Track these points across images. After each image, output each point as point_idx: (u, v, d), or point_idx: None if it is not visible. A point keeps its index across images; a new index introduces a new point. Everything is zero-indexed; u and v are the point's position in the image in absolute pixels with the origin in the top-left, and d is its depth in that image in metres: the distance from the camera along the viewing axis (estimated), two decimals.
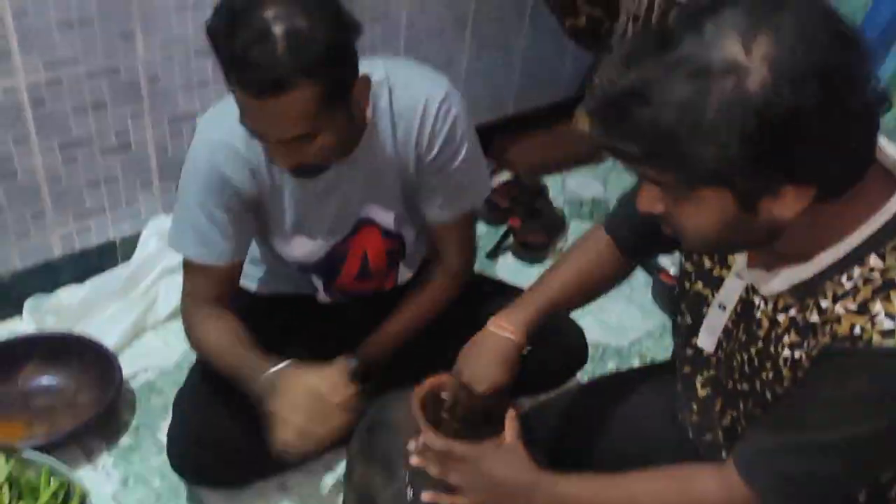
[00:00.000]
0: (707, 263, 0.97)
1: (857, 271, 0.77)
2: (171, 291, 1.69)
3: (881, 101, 0.71)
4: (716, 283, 0.95)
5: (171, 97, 1.64)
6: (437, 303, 1.32)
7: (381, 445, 1.10)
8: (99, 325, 1.60)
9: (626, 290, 1.94)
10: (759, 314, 0.88)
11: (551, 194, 2.21)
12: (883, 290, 0.75)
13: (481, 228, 2.14)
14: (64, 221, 1.63)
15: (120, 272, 1.68)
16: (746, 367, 0.91)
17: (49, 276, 1.66)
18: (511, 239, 2.05)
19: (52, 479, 1.24)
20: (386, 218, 1.24)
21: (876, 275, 0.76)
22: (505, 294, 1.32)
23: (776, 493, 0.85)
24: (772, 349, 0.86)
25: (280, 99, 0.93)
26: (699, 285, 0.99)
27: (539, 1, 2.19)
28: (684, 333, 1.03)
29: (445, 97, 1.15)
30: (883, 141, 0.77)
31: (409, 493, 1.04)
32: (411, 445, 1.02)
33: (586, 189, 2.36)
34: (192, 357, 1.45)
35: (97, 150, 1.60)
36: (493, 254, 2.02)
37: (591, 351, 1.48)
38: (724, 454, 1.01)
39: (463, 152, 1.19)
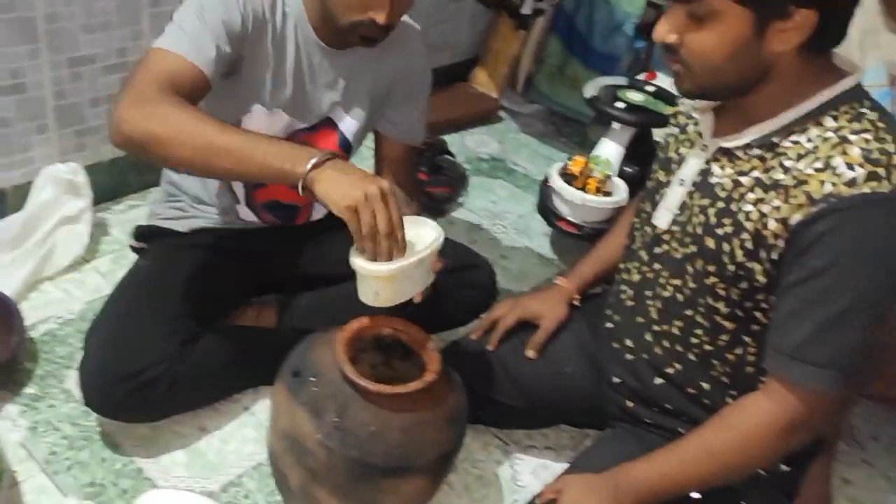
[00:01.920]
0: (670, 153, 1.11)
1: (814, 132, 0.92)
2: (69, 241, 1.63)
3: None
4: (676, 166, 1.09)
5: (70, 37, 1.57)
6: None
7: (307, 389, 1.12)
8: None
9: (526, 240, 2.05)
10: (718, 180, 1.01)
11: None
12: (839, 146, 0.90)
13: None
14: None
15: (13, 220, 1.59)
16: (700, 229, 1.02)
17: None
18: None
19: None
20: (349, 126, 1.31)
21: (831, 133, 0.91)
22: None
23: (814, 380, 0.92)
24: (733, 206, 0.98)
25: None
26: (660, 174, 1.12)
27: None
28: (642, 221, 1.16)
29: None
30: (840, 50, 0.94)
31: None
32: None
33: (484, 147, 2.45)
34: (97, 306, 1.41)
35: None
36: None
37: None
38: (655, 328, 1.12)
39: (426, 89, 1.39)
